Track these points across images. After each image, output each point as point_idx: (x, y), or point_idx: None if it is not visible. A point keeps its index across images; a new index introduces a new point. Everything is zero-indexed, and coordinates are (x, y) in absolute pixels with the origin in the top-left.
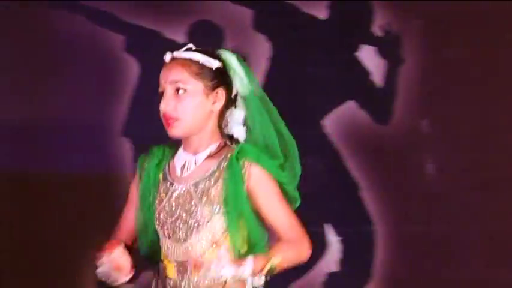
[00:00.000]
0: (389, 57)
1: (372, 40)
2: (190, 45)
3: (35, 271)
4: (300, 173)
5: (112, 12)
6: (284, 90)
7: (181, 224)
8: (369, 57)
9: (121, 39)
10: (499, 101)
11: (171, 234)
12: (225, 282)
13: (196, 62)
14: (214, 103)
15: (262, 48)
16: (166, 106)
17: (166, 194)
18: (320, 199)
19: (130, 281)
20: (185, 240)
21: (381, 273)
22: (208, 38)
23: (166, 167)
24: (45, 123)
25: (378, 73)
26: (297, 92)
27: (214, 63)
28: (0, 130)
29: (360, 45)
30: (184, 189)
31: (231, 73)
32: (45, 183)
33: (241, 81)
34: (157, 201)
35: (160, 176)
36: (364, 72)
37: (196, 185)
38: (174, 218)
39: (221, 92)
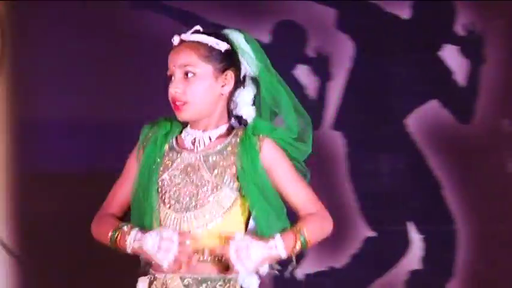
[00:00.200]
0: (471, 56)
1: (454, 39)
2: (198, 27)
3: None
4: (310, 150)
5: (196, 12)
6: (367, 89)
7: (187, 193)
8: (451, 56)
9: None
10: None
11: (172, 203)
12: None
13: (205, 45)
14: (223, 86)
15: (345, 47)
16: (175, 90)
17: (173, 162)
18: (403, 198)
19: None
20: (188, 209)
21: (463, 271)
22: (291, 38)
23: (174, 139)
24: (131, 122)
25: (460, 72)
26: (380, 91)
27: (223, 46)
28: (79, 129)
29: (442, 45)
30: (193, 159)
31: (240, 53)
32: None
33: (250, 60)
34: (161, 169)
35: (166, 146)
36: (446, 72)
37: (206, 157)
38: (179, 187)
39: (230, 75)
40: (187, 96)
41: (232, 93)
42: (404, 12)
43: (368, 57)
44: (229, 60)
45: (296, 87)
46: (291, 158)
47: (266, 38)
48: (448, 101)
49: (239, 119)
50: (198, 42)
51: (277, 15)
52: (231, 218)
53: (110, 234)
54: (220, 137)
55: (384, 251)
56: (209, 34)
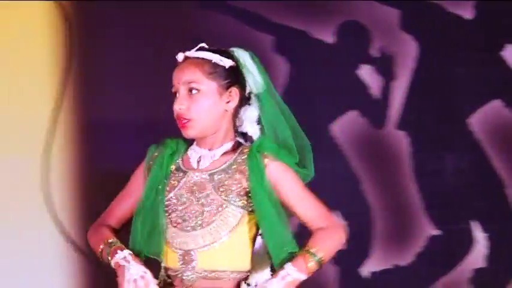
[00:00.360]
0: None
1: None
2: (203, 45)
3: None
4: (313, 175)
5: (260, 12)
6: (430, 89)
7: (193, 212)
8: None
9: (269, 39)
10: None
11: (179, 222)
12: (232, 274)
13: (209, 62)
14: (228, 102)
15: (409, 48)
16: (180, 107)
17: (179, 182)
18: (467, 196)
19: None
20: (194, 228)
21: None
22: (355, 38)
23: (180, 159)
24: None
25: None
26: (443, 91)
27: (227, 62)
28: (155, 129)
29: (505, 45)
30: (199, 178)
31: (245, 71)
32: None
33: (254, 79)
34: (167, 189)
35: (173, 166)
36: (509, 72)
37: (212, 175)
38: (185, 206)
39: (235, 91)
40: (192, 113)
41: (237, 110)
42: (467, 12)
43: (431, 57)
44: (233, 77)
45: (360, 87)
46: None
47: (330, 38)
48: (510, 100)
49: (244, 136)
50: (203, 59)
51: (342, 15)
52: (237, 236)
53: (101, 246)
54: (225, 154)
55: (449, 250)
56: (214, 51)
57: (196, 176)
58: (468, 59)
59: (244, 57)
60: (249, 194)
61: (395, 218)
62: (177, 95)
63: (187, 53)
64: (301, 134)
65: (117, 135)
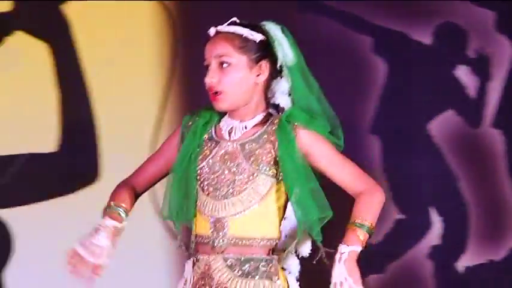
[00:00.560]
0: None
1: None
2: (235, 19)
3: None
4: (342, 146)
5: (359, 14)
6: None
7: (224, 180)
8: None
9: (369, 41)
10: None
11: (211, 190)
12: (262, 241)
13: (240, 36)
14: (258, 75)
15: (505, 49)
16: (211, 80)
17: (211, 151)
18: None
19: None
20: (226, 196)
21: None
22: (452, 39)
23: (213, 128)
24: None
25: None
26: None
27: (258, 36)
28: None
29: None
30: (230, 148)
31: (275, 45)
32: None
33: (284, 52)
34: (200, 158)
35: (205, 136)
36: None
37: (243, 145)
38: (217, 174)
39: (265, 65)
40: (223, 86)
41: (268, 83)
42: None
43: None
44: (264, 50)
45: (457, 87)
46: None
47: (428, 40)
48: None
49: (276, 107)
50: (233, 33)
51: (439, 17)
52: (267, 204)
53: (107, 204)
54: (257, 125)
55: None
56: (245, 25)
57: (228, 146)
58: None
59: (275, 31)
60: (279, 164)
61: (490, 214)
62: (209, 68)
63: (219, 28)
64: (330, 109)
65: None
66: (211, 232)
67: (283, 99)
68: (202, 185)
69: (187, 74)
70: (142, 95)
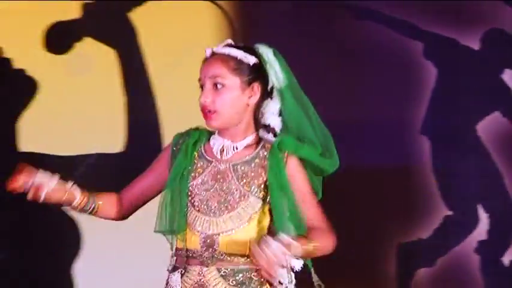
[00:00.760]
0: None
1: None
2: (229, 41)
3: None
4: (337, 165)
5: (411, 20)
6: None
7: (216, 199)
8: None
9: (419, 46)
10: None
11: (202, 207)
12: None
13: (234, 58)
14: (250, 97)
15: None
16: (205, 99)
17: (204, 169)
18: None
19: None
20: (216, 214)
21: None
22: (499, 45)
23: (202, 147)
24: (356, 121)
25: None
26: None
27: (251, 59)
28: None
29: None
30: (223, 167)
31: (267, 67)
32: (348, 176)
33: (276, 74)
34: (192, 175)
35: (196, 154)
36: None
37: (235, 166)
38: (209, 192)
39: (257, 87)
40: (216, 106)
41: (259, 105)
42: None
43: None
44: (256, 73)
45: (503, 90)
46: (321, 170)
47: (476, 45)
48: None
49: (267, 128)
50: (228, 55)
51: (487, 24)
52: (254, 223)
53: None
54: (247, 147)
55: None
56: (239, 48)
57: (220, 165)
58: None
59: (267, 53)
60: (268, 188)
61: None
62: (203, 87)
63: (215, 49)
64: (322, 127)
65: None
66: (201, 247)
67: (273, 120)
68: (193, 201)
69: None
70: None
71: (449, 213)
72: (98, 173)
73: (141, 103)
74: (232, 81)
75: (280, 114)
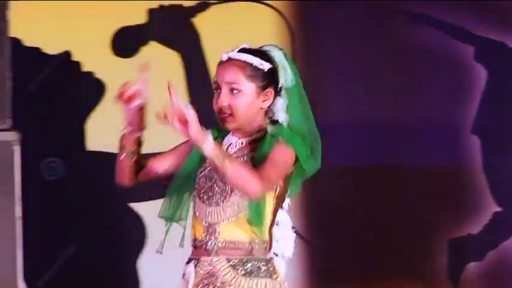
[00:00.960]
0: None
1: None
2: (245, 46)
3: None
4: (319, 166)
5: (462, 25)
6: None
7: (217, 189)
8: None
9: (470, 49)
10: None
11: (205, 198)
12: (250, 245)
13: (251, 65)
14: (264, 101)
15: None
16: (222, 103)
17: (207, 162)
18: None
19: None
20: (217, 203)
21: None
22: None
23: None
24: (408, 121)
25: None
26: None
27: (266, 66)
28: (366, 128)
29: None
30: None
31: (279, 70)
32: (401, 175)
33: (285, 76)
34: (201, 169)
35: None
36: None
37: (236, 158)
38: (210, 184)
39: (270, 92)
40: (232, 110)
41: (271, 105)
42: None
43: None
44: (270, 78)
45: None
46: (303, 169)
47: None
48: None
49: (275, 123)
50: (245, 62)
51: None
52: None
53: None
54: (253, 141)
55: None
56: (254, 53)
57: None
58: None
59: (279, 57)
60: None
61: None
62: (219, 90)
63: (231, 55)
64: (314, 128)
65: (336, 133)
66: (205, 236)
67: (281, 116)
68: (199, 194)
69: (303, 76)
70: None
71: (498, 209)
72: None
73: (204, 105)
74: (248, 87)
75: (286, 111)
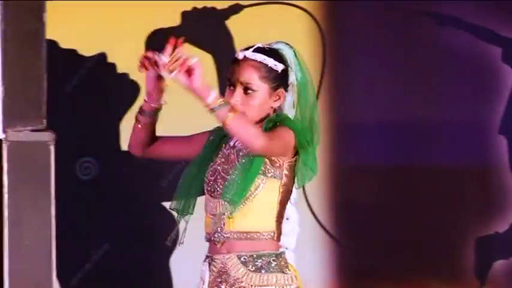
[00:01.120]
0: None
1: None
2: (259, 45)
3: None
4: (312, 164)
5: (489, 26)
6: None
7: (220, 181)
8: None
9: (498, 51)
10: None
11: (211, 192)
12: (256, 235)
13: (265, 66)
14: (275, 101)
15: None
16: (235, 102)
17: (216, 158)
18: None
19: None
20: (222, 196)
21: None
22: None
23: (228, 140)
24: (437, 122)
25: None
26: None
27: (280, 67)
28: (394, 128)
29: None
30: (228, 153)
31: (289, 69)
32: (414, 175)
33: (295, 74)
34: (211, 164)
35: (223, 145)
36: None
37: (239, 150)
38: (214, 177)
39: (282, 92)
40: (245, 108)
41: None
42: None
43: None
44: (282, 79)
45: None
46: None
47: None
48: None
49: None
50: (260, 63)
51: None
52: (259, 200)
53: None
54: None
55: None
56: (268, 53)
57: (227, 151)
58: None
59: (290, 57)
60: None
61: None
62: (231, 87)
63: (247, 54)
64: (317, 125)
65: (362, 133)
66: (212, 228)
67: (289, 111)
68: (207, 188)
69: (333, 77)
70: None
71: None
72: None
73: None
74: (261, 88)
75: (294, 106)
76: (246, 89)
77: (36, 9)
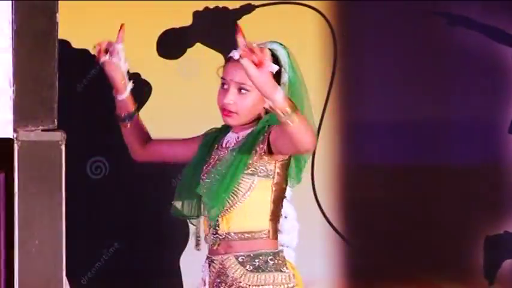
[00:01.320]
0: None
1: None
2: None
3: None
4: (304, 164)
5: (500, 26)
6: None
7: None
8: None
9: (508, 50)
10: None
11: (206, 192)
12: (250, 234)
13: None
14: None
15: None
16: (228, 101)
17: (210, 159)
18: None
19: None
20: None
21: None
22: None
23: (220, 141)
24: (446, 121)
25: None
26: None
27: (274, 68)
28: (405, 127)
29: None
30: (222, 154)
31: (282, 69)
32: (424, 174)
33: (288, 74)
34: (205, 165)
35: (215, 146)
36: None
37: (232, 151)
38: (209, 177)
39: None
40: (237, 108)
41: None
42: None
43: None
44: (276, 79)
45: None
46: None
47: None
48: None
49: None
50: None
51: None
52: (251, 200)
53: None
54: (248, 134)
55: None
56: None
57: (220, 152)
58: None
59: (284, 57)
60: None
61: None
62: (225, 86)
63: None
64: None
65: (371, 132)
66: (208, 230)
67: None
68: (202, 190)
69: (344, 76)
70: None
71: None
72: None
73: None
74: (255, 88)
75: None
76: (240, 89)
77: (48, 9)
